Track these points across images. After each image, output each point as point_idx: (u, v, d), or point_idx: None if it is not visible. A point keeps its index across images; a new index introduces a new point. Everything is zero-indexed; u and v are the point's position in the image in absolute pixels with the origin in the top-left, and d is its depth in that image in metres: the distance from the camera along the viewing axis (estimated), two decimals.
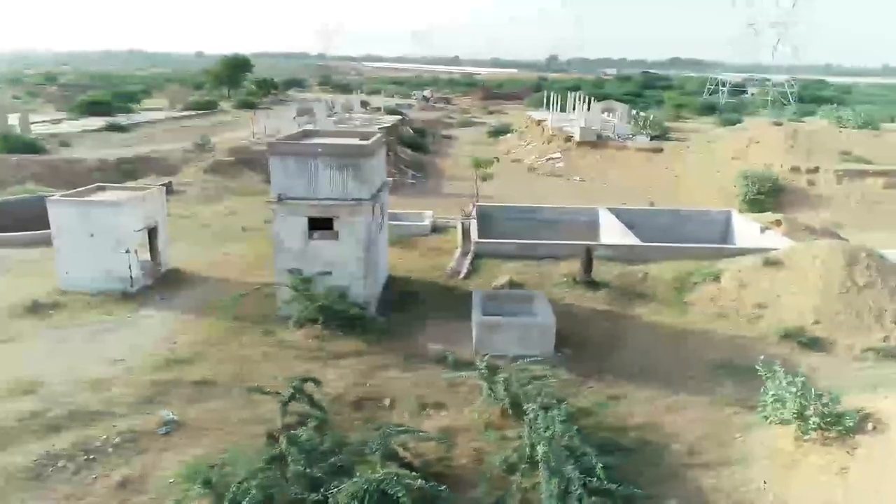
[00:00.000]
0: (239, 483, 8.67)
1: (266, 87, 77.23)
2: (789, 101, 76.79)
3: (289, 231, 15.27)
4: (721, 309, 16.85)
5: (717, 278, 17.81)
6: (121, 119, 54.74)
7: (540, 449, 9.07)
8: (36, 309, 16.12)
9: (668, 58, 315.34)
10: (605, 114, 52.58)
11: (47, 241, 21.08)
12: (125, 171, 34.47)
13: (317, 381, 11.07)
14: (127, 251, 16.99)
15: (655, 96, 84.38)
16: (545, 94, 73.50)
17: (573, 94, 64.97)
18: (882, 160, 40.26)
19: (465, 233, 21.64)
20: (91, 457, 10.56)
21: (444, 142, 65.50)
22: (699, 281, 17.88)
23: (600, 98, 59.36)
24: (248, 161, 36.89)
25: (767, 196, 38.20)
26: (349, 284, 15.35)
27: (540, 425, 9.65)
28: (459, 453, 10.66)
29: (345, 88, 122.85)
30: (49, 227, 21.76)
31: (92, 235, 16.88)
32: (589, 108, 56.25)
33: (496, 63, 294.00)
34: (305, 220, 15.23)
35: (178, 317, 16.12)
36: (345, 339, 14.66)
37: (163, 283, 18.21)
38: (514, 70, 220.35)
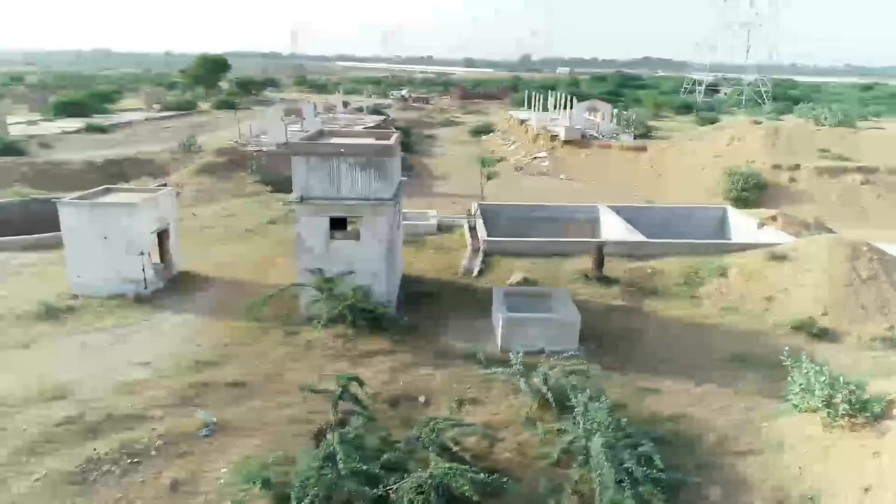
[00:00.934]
0: (302, 482, 8.72)
1: (247, 87, 76.33)
2: (764, 99, 78.71)
3: (311, 231, 15.28)
4: (730, 302, 17.33)
5: (723, 273, 18.30)
6: (99, 120, 53.78)
7: (598, 439, 9.31)
8: (50, 313, 15.88)
9: (639, 57, 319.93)
10: (589, 113, 53.19)
11: (45, 245, 20.84)
12: (113, 173, 33.94)
13: (360, 381, 11.14)
14: (141, 253, 16.82)
15: (632, 95, 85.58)
16: (525, 93, 74.04)
17: (555, 93, 65.53)
18: (859, 157, 41.52)
19: (472, 231, 21.86)
20: (135, 460, 10.52)
21: (428, 141, 65.56)
22: (706, 276, 18.35)
23: (581, 98, 59.99)
24: (240, 162, 36.54)
25: (752, 193, 39.10)
26: (371, 284, 15.42)
27: (589, 417, 9.88)
28: (503, 447, 10.84)
29: (321, 88, 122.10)
30: (47, 231, 21.53)
31: (105, 238, 16.66)
32: (572, 108, 56.89)
33: (469, 63, 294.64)
34: (327, 221, 15.26)
35: (196, 319, 16.03)
36: (370, 338, 14.74)
37: (174, 286, 18.06)
38: (489, 69, 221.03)
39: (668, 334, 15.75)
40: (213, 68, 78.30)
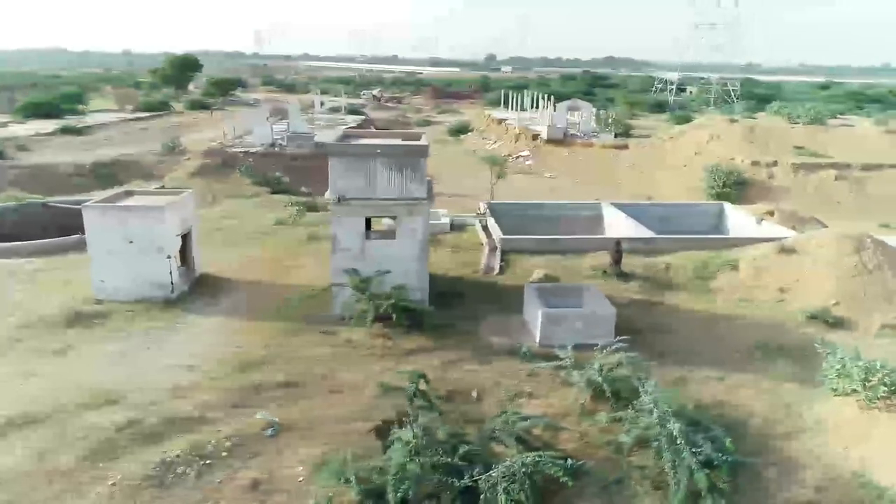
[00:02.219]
0: (394, 476, 8.94)
1: (222, 87, 75.21)
2: (733, 98, 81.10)
3: (347, 232, 15.43)
4: (745, 294, 18.07)
5: (734, 266, 19.06)
6: (71, 122, 52.42)
7: (676, 425, 9.77)
8: (80, 319, 15.68)
9: (601, 56, 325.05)
10: (570, 113, 54.07)
11: (52, 250, 20.47)
12: (103, 175, 33.33)
13: (426, 378, 11.39)
14: (169, 257, 16.70)
15: (604, 95, 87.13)
16: (501, 93, 74.78)
17: (531, 93, 66.35)
18: (831, 153, 43.27)
19: (485, 230, 22.21)
20: (207, 462, 10.57)
21: None
22: (718, 269, 19.06)
23: (558, 98, 60.92)
24: (232, 163, 36.19)
25: (732, 189, 40.38)
26: (406, 283, 15.63)
27: (657, 406, 10.34)
28: (566, 437, 11.22)
29: (290, 88, 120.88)
30: (42, 236, 21.19)
31: (131, 242, 16.51)
32: (552, 108, 57.75)
33: (435, 62, 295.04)
34: (363, 221, 15.43)
35: (228, 321, 16.01)
36: (408, 336, 14.96)
37: (198, 289, 17.96)
38: (457, 69, 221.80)
39: (692, 326, 16.36)
40: (183, 68, 76.95)
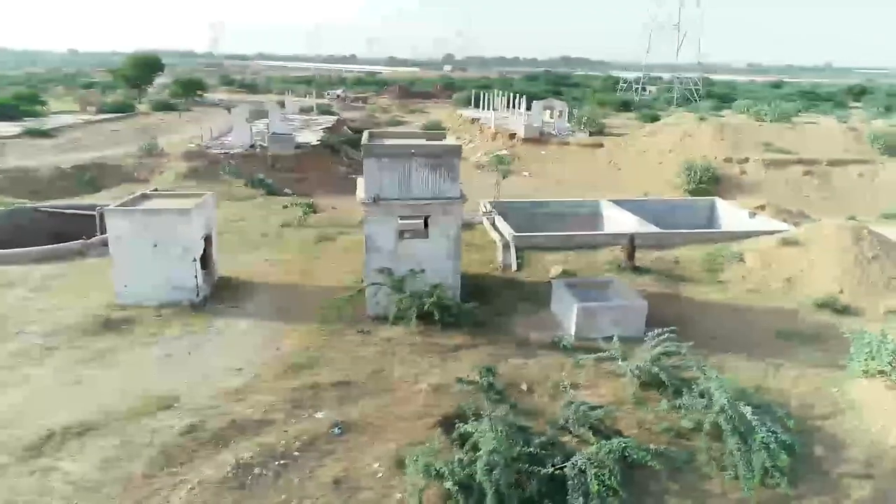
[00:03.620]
0: (485, 467, 9.19)
1: (190, 87, 73.48)
2: (696, 97, 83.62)
3: (381, 232, 15.55)
4: (754, 285, 18.88)
5: (741, 259, 19.88)
6: (34, 123, 50.46)
7: (747, 408, 10.30)
8: (109, 325, 15.38)
9: (557, 56, 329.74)
10: (548, 113, 54.93)
11: (55, 257, 19.96)
12: (85, 179, 32.32)
13: (493, 371, 11.65)
14: (194, 260, 16.51)
15: (570, 94, 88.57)
16: (472, 93, 75.34)
17: (507, 93, 67.07)
18: (799, 149, 45.14)
19: (494, 228, 22.55)
20: (282, 462, 10.63)
21: None
22: (725, 262, 19.86)
23: (530, 97, 61.77)
24: (215, 165, 35.65)
25: (708, 185, 41.74)
26: (439, 281, 15.83)
27: (723, 391, 10.87)
28: (626, 424, 11.64)
29: (251, 88, 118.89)
30: (34, 241, 20.64)
31: (155, 245, 16.25)
32: (520, 107, 58.60)
33: (393, 61, 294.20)
34: (397, 221, 15.58)
35: (260, 324, 15.93)
36: (446, 333, 15.15)
37: (220, 292, 17.79)
38: (416, 68, 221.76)
39: (711, 316, 17.03)
40: (146, 68, 74.87)
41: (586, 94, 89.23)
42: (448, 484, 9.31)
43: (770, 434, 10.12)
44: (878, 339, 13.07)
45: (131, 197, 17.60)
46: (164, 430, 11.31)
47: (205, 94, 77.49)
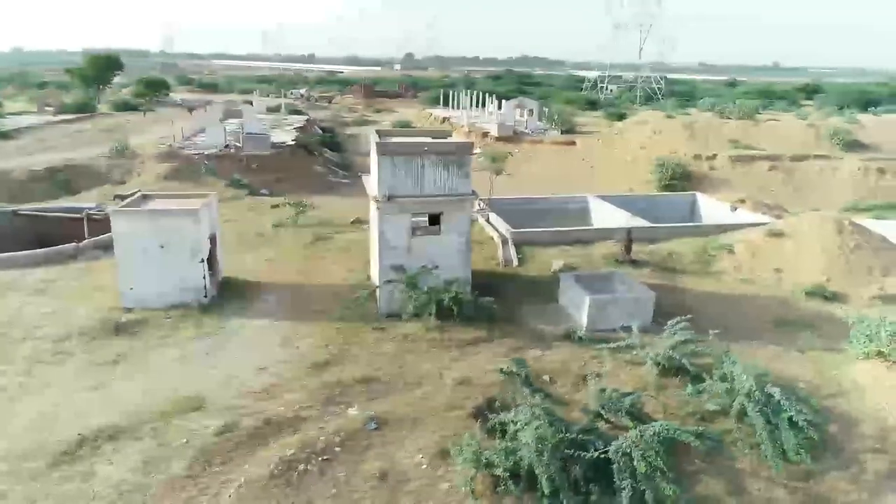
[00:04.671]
0: (537, 454, 9.48)
1: (155, 87, 71.62)
2: (658, 96, 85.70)
3: (394, 229, 15.68)
4: (745, 275, 19.67)
5: (731, 250, 20.67)
6: None
7: (776, 389, 10.85)
8: (120, 329, 15.12)
9: (516, 56, 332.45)
10: (517, 110, 55.55)
11: (48, 261, 19.47)
12: (60, 181, 31.40)
13: (524, 363, 11.95)
14: (202, 261, 16.35)
15: (537, 93, 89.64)
16: (441, 92, 75.60)
17: (471, 92, 67.56)
18: (763, 145, 46.82)
19: (489, 224, 22.86)
20: (324, 457, 10.72)
21: (352, 140, 65.21)
22: (716, 254, 20.63)
23: (501, 97, 62.42)
24: (192, 165, 35.07)
25: (679, 181, 42.97)
26: (450, 277, 16.05)
27: (749, 375, 11.40)
28: (652, 409, 12.08)
29: (212, 88, 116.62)
30: (29, 246, 20.10)
31: (162, 247, 16.02)
32: (490, 105, 59.22)
33: (352, 61, 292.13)
34: (410, 218, 15.73)
35: (273, 324, 15.87)
36: (461, 328, 15.36)
37: (226, 293, 17.62)
38: (377, 67, 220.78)
39: (710, 305, 17.67)
40: (105, 67, 72.68)
41: (550, 94, 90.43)
42: (499, 471, 9.56)
43: (799, 413, 10.69)
44: (876, 322, 13.84)
45: (133, 198, 17.28)
46: (199, 431, 11.26)
47: (170, 94, 75.64)
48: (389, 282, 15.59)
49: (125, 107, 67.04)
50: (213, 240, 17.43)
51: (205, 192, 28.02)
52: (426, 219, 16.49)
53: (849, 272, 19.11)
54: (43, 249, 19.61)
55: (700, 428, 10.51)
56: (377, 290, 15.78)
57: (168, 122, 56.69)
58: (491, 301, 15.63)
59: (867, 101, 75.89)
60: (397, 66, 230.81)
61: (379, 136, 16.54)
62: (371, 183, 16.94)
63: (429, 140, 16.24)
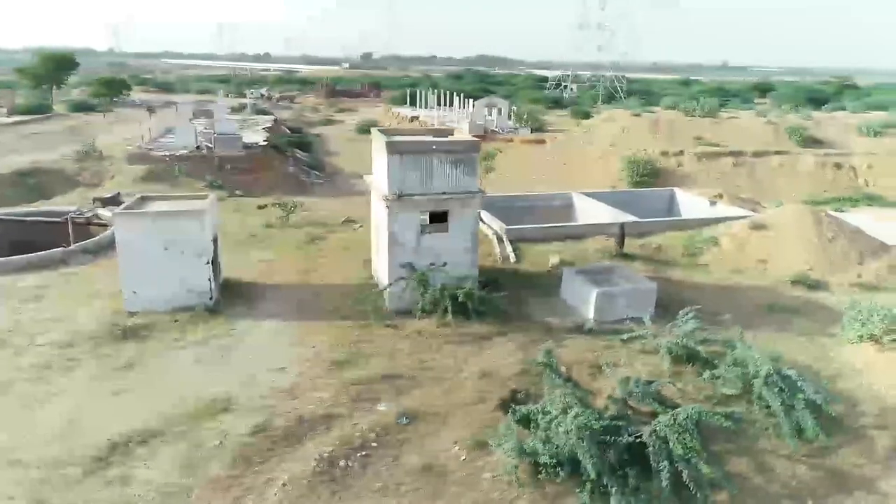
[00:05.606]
0: (580, 440, 9.81)
1: (114, 87, 69.47)
2: (620, 95, 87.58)
3: (404, 227, 15.83)
4: (732, 266, 20.49)
5: (716, 243, 21.49)
6: None
7: (792, 371, 11.46)
8: (128, 333, 14.85)
9: (473, 55, 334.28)
10: (487, 109, 56.06)
11: (32, 267, 18.97)
12: (30, 185, 30.38)
13: (551, 354, 12.29)
14: (207, 262, 16.17)
15: (501, 92, 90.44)
16: (408, 91, 75.66)
17: (445, 91, 67.82)
18: (726, 142, 48.49)
19: (482, 221, 23.15)
20: (363, 453, 10.84)
21: (319, 140, 64.74)
22: (702, 246, 21.41)
23: (469, 96, 62.88)
24: (166, 167, 34.42)
25: (649, 178, 44.15)
26: (458, 274, 16.28)
27: (765, 358, 11.98)
28: (671, 395, 12.56)
29: (168, 88, 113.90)
30: (17, 252, 19.53)
31: (166, 249, 15.79)
32: (459, 104, 59.62)
33: (308, 60, 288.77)
34: (418, 215, 15.90)
35: (283, 324, 15.81)
36: (473, 323, 15.60)
37: (228, 294, 17.44)
38: (335, 66, 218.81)
39: (705, 296, 18.31)
40: (59, 67, 70.19)
41: (513, 93, 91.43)
42: (544, 458, 9.86)
43: (816, 393, 11.32)
44: (868, 307, 14.68)
45: (133, 200, 16.96)
46: (231, 432, 11.22)
47: (131, 94, 73.64)
48: (402, 279, 15.72)
49: (83, 107, 65.08)
50: (214, 241, 17.24)
51: (187, 193, 27.69)
52: (426, 217, 16.69)
53: (828, 261, 20.10)
54: (28, 255, 19.02)
55: (731, 410, 11.02)
56: (387, 288, 15.85)
57: (128, 122, 55.47)
58: (503, 296, 15.93)
59: (816, 98, 79.24)
60: (345, 65, 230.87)
61: (386, 135, 16.64)
62: (376, 182, 17.04)
63: (437, 138, 16.43)
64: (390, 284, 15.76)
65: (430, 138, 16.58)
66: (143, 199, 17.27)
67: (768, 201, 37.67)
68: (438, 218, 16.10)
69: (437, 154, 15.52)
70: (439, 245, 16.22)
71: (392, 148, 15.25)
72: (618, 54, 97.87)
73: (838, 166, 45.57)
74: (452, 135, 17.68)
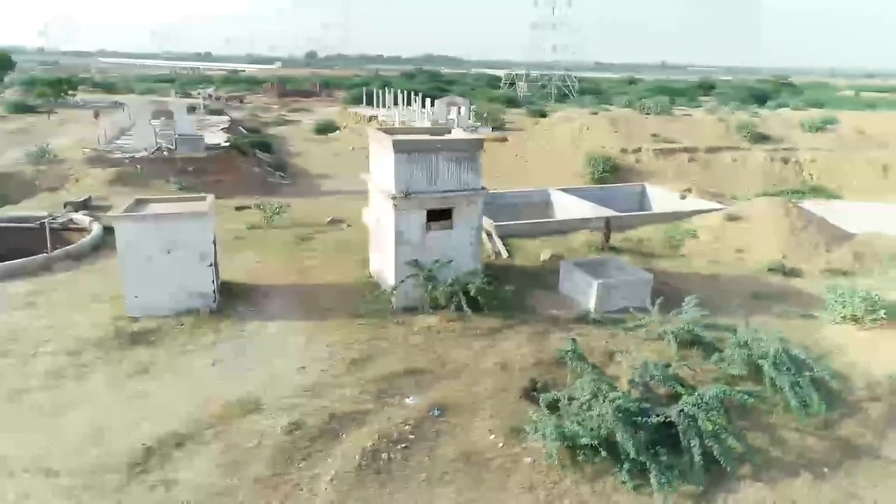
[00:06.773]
0: (619, 421, 10.30)
1: (61, 87, 66.42)
2: (572, 94, 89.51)
3: (409, 225, 16.04)
4: (711, 257, 21.51)
5: (694, 235, 22.51)
6: None
7: (799, 351, 12.24)
8: (136, 338, 14.56)
9: (421, 54, 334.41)
10: (448, 108, 56.44)
11: (14, 273, 18.31)
12: None
13: (576, 342, 12.78)
14: (210, 265, 15.98)
15: (457, 91, 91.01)
16: (363, 90, 75.33)
17: (404, 91, 67.88)
18: (681, 139, 50.35)
19: None
20: (402, 445, 11.06)
21: (278, 141, 63.78)
22: (682, 238, 22.40)
23: (427, 95, 63.17)
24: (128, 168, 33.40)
25: (610, 174, 45.45)
26: (463, 270, 16.60)
27: (772, 340, 12.78)
28: (684, 375, 13.19)
29: (110, 88, 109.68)
30: (23, 256, 18.83)
31: (169, 252, 15.53)
32: (419, 104, 59.92)
33: (252, 59, 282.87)
34: (425, 213, 16.14)
35: (291, 324, 15.78)
36: (481, 317, 15.94)
37: (227, 296, 17.24)
38: (278, 65, 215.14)
39: (691, 284, 19.19)
40: None
41: (467, 92, 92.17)
42: (584, 440, 10.30)
43: (822, 371, 12.17)
44: (849, 290, 15.77)
45: (130, 204, 16.54)
46: (266, 432, 11.25)
47: (77, 95, 70.67)
48: (410, 276, 15.92)
49: (22, 108, 62.15)
50: (214, 243, 17.02)
51: (160, 196, 27.06)
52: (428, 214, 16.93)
53: (800, 249, 21.36)
54: (10, 262, 18.30)
55: (754, 388, 11.74)
56: (397, 286, 16.02)
57: (75, 123, 53.46)
58: (510, 290, 16.34)
59: (757, 96, 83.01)
60: (278, 63, 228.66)
61: (387, 134, 16.79)
62: (378, 181, 17.16)
63: (440, 137, 16.69)
64: (402, 282, 15.92)
65: (431, 137, 16.82)
66: (139, 202, 16.90)
67: (729, 195, 39.59)
68: (442, 215, 16.37)
69: (443, 152, 15.79)
70: (444, 242, 16.50)
71: (398, 147, 15.44)
72: (568, 54, 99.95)
73: (785, 161, 47.95)
74: (450, 133, 17.95)
